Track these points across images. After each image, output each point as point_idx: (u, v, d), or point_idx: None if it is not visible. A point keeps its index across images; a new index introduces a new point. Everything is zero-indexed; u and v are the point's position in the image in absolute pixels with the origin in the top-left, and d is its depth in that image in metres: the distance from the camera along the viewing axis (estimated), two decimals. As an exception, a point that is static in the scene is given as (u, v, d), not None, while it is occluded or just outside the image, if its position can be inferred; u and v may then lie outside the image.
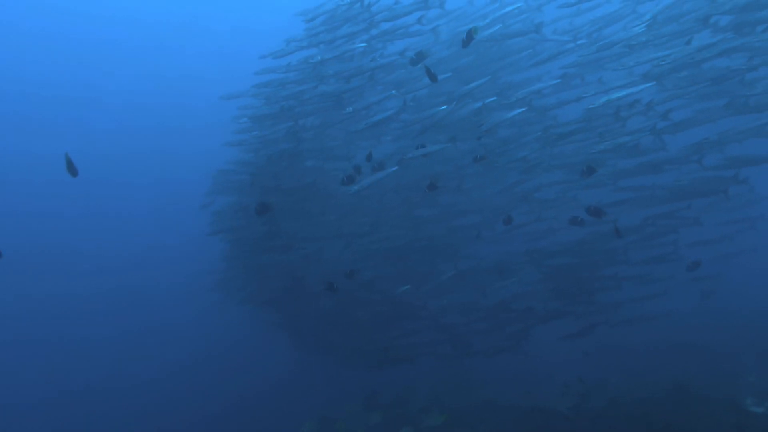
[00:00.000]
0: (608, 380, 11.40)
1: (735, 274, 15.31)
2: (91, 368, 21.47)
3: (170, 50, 36.79)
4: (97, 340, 23.57)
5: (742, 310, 14.87)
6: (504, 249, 12.84)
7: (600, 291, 12.41)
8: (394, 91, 10.44)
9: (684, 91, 9.74)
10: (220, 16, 36.39)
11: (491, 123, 9.57)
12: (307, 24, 10.76)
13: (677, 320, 13.78)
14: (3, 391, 19.91)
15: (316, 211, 12.56)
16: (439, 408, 11.61)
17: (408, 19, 10.29)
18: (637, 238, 11.85)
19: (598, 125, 9.99)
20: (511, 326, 12.76)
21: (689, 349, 12.72)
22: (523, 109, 9.46)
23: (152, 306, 25.80)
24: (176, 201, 27.82)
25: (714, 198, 12.07)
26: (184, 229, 25.30)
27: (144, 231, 31.49)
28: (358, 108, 10.63)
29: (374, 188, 10.68)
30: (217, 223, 14.16)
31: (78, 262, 29.51)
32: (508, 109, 9.69)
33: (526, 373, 12.72)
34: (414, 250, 12.51)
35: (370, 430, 11.65)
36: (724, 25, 8.89)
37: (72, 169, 7.45)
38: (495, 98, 9.70)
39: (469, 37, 8.83)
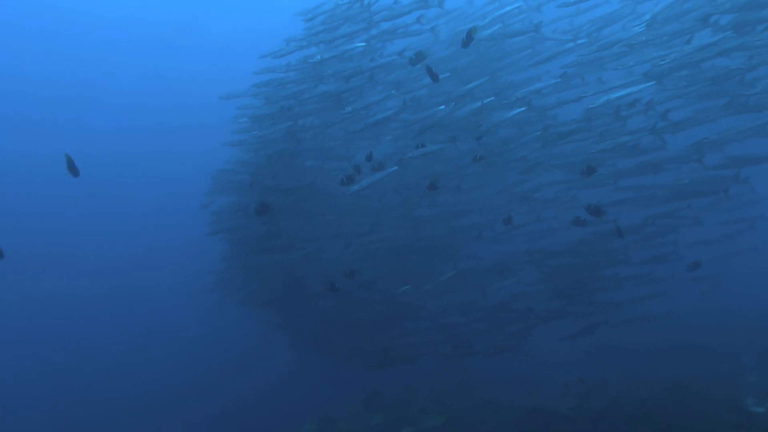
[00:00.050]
0: (609, 380, 11.40)
1: (735, 274, 15.29)
2: (91, 368, 21.44)
3: (170, 50, 36.76)
4: (97, 340, 23.54)
5: (742, 310, 14.84)
6: (504, 249, 12.83)
7: (600, 291, 12.39)
8: (393, 91, 10.43)
9: (684, 91, 9.72)
10: (220, 16, 36.38)
11: (490, 123, 9.57)
12: (307, 24, 10.76)
13: (677, 320, 13.75)
14: (3, 391, 19.90)
15: (315, 211, 12.55)
16: (439, 408, 11.61)
17: (407, 19, 10.28)
18: (637, 238, 11.83)
19: (597, 125, 9.98)
20: (511, 326, 12.74)
21: (690, 349, 12.70)
22: (522, 109, 9.45)
23: (152, 306, 25.77)
24: (176, 201, 27.80)
25: (714, 198, 12.05)
26: (184, 229, 25.28)
27: (144, 231, 31.45)
28: (358, 108, 10.62)
29: (374, 188, 10.67)
30: (217, 223, 14.17)
31: (78, 262, 29.48)
32: (507, 109, 9.68)
33: (526, 373, 12.70)
34: (414, 250, 12.50)
35: (371, 430, 11.64)
36: (724, 24, 8.88)
37: (73, 170, 7.41)
38: (493, 98, 9.69)
39: (469, 37, 8.81)
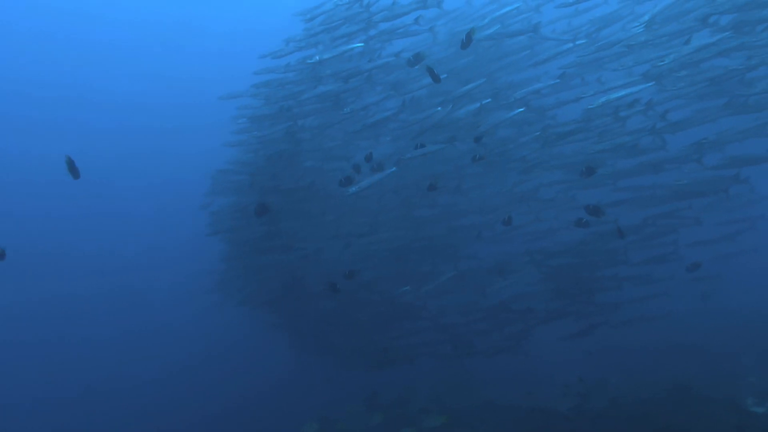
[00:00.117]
0: (609, 380, 11.39)
1: (735, 274, 15.28)
2: (91, 369, 21.46)
3: (170, 50, 36.80)
4: (97, 341, 23.56)
5: (742, 310, 14.84)
6: (504, 249, 12.82)
7: (600, 291, 12.39)
8: (393, 92, 10.43)
9: (683, 91, 9.71)
10: (220, 16, 36.40)
11: (489, 124, 9.56)
12: (306, 24, 10.75)
13: (677, 320, 13.74)
14: (3, 391, 19.91)
15: (315, 212, 12.55)
16: (439, 408, 11.60)
17: (407, 19, 10.27)
18: (637, 238, 11.82)
19: (597, 125, 9.98)
20: (511, 326, 12.74)
21: (690, 350, 12.69)
22: (521, 109, 9.45)
23: (152, 307, 25.79)
24: (176, 201, 27.79)
25: (714, 198, 12.05)
26: (183, 230, 25.27)
27: (144, 231, 31.47)
28: (357, 108, 10.61)
29: (373, 189, 10.67)
30: (217, 223, 14.15)
31: (78, 262, 29.51)
32: (507, 110, 9.68)
33: (526, 373, 12.69)
34: (414, 251, 12.50)
35: (371, 430, 11.64)
36: (723, 24, 8.87)
37: (74, 172, 7.39)
38: (490, 100, 9.70)
39: (469, 39, 8.80)
